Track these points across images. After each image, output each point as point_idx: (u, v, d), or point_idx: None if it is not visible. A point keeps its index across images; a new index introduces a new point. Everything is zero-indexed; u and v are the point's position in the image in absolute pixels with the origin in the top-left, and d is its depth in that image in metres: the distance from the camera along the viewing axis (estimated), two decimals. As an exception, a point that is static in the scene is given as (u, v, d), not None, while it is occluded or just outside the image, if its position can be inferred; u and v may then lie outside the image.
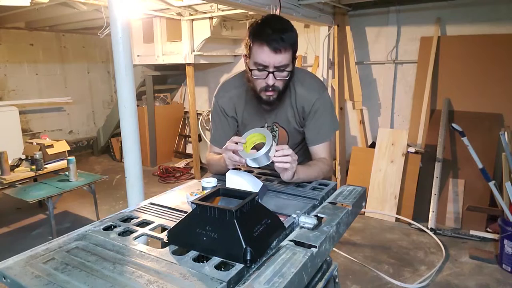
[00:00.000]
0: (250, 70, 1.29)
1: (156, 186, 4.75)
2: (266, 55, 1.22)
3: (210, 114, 1.59)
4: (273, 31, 1.21)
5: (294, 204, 1.16)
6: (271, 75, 1.25)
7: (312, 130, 1.44)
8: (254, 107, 1.45)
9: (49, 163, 3.54)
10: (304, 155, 1.57)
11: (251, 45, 1.25)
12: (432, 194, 3.33)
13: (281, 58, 1.23)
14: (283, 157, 1.17)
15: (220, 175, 1.44)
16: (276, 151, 1.17)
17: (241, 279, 0.76)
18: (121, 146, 2.73)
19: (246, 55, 1.31)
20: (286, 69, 1.26)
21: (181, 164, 5.47)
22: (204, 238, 0.83)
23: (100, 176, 3.48)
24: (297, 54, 1.34)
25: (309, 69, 4.47)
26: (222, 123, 1.51)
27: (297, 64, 4.46)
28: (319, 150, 1.45)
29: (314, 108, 1.41)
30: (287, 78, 1.29)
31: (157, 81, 5.79)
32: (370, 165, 3.74)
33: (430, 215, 3.26)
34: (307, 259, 0.79)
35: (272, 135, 1.50)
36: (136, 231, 0.98)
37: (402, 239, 3.17)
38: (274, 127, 1.49)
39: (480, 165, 2.87)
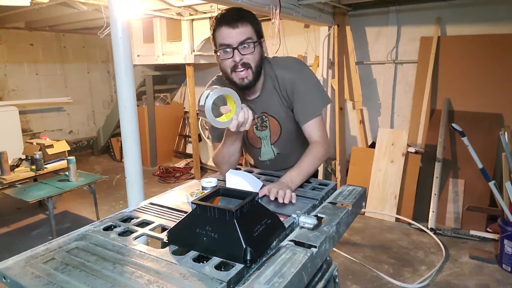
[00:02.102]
0: (217, 53, 1.31)
1: (156, 186, 4.75)
2: (226, 33, 1.26)
3: None
4: (228, 12, 1.29)
5: (294, 204, 1.16)
6: (236, 51, 1.26)
7: (300, 109, 1.40)
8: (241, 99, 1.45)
9: (49, 163, 3.54)
10: (301, 144, 1.53)
11: (213, 34, 1.30)
12: (432, 194, 3.33)
13: (241, 32, 1.25)
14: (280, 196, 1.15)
15: (221, 175, 1.44)
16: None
17: (241, 279, 0.76)
18: (121, 146, 2.73)
19: (214, 49, 1.34)
20: (250, 42, 1.27)
21: (181, 164, 5.47)
22: (204, 238, 0.83)
23: (100, 176, 3.48)
24: (263, 36, 1.35)
25: (309, 69, 4.47)
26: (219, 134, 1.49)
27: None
28: (311, 129, 1.40)
29: (297, 87, 1.38)
30: (254, 52, 1.28)
31: (157, 81, 5.79)
32: (370, 165, 3.74)
33: (430, 215, 3.26)
34: (307, 259, 0.79)
35: (263, 126, 1.48)
36: (136, 231, 0.98)
37: (402, 239, 3.17)
38: (264, 117, 1.47)
39: (480, 165, 2.87)
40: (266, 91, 1.42)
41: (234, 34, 1.24)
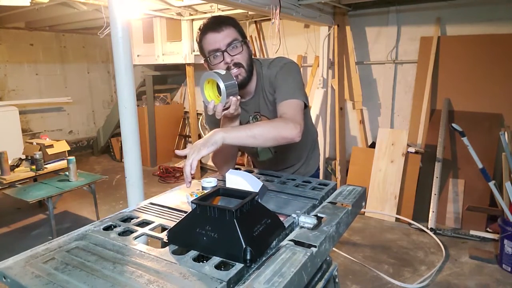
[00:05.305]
0: (208, 60, 1.32)
1: (156, 186, 4.75)
2: (212, 38, 1.28)
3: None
4: (210, 20, 1.31)
5: (294, 204, 1.16)
6: (225, 53, 1.28)
7: (278, 91, 1.36)
8: None
9: (49, 163, 3.54)
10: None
11: (201, 44, 1.32)
12: (432, 194, 3.33)
13: (227, 35, 1.28)
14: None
15: (222, 175, 1.44)
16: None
17: (241, 278, 0.76)
18: (121, 146, 2.73)
19: (204, 59, 1.36)
20: (237, 42, 1.29)
21: (181, 164, 5.47)
22: (204, 238, 0.83)
23: (100, 176, 3.48)
24: (248, 37, 1.41)
25: (309, 69, 4.47)
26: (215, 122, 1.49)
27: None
28: (284, 107, 1.28)
29: (278, 76, 1.37)
30: (242, 51, 1.31)
31: (157, 81, 5.80)
32: (370, 165, 3.74)
33: (430, 215, 3.26)
34: (307, 259, 0.79)
35: None
36: (136, 231, 0.98)
37: (402, 239, 3.17)
38: (257, 117, 1.48)
39: (480, 165, 2.87)
40: (258, 92, 1.43)
41: (220, 38, 1.27)
